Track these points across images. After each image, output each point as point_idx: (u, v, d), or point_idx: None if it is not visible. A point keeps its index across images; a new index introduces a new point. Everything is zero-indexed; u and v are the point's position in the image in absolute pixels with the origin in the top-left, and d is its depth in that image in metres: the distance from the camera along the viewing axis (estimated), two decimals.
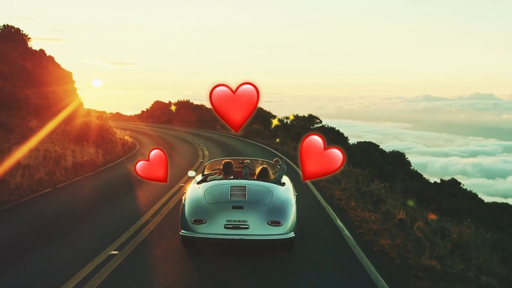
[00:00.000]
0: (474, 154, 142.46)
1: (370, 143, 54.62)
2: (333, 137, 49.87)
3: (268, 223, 6.83)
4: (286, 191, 7.75)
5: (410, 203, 12.47)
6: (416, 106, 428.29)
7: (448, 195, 52.12)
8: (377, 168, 49.08)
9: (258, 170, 8.33)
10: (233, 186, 7.27)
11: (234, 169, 8.39)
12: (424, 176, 55.24)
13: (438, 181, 58.76)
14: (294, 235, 7.03)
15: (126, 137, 26.35)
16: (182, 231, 7.05)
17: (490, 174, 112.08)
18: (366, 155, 51.67)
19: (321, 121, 48.82)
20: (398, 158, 52.59)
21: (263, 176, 8.06)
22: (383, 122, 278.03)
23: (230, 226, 6.77)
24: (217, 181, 7.78)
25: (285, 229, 6.90)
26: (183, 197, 7.64)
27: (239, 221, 6.79)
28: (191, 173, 8.97)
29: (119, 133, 29.89)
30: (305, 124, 47.01)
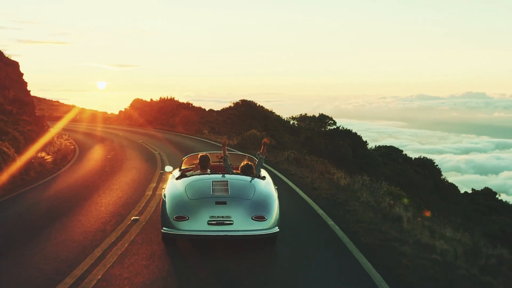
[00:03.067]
0: (467, 151, 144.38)
1: (391, 148, 43.50)
2: (350, 141, 38.89)
3: (252, 218, 6.16)
4: (268, 185, 7.06)
5: None
6: (410, 105, 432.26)
7: (486, 209, 41.35)
8: (404, 179, 38.13)
9: (242, 165, 7.43)
10: (214, 181, 6.61)
11: (211, 163, 7.83)
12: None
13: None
14: (278, 229, 6.37)
15: (43, 154, 15.26)
16: (163, 228, 6.27)
17: (483, 170, 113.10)
18: (389, 163, 40.67)
19: (334, 122, 37.58)
20: (425, 165, 41.52)
21: (247, 172, 7.29)
22: (378, 120, 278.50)
23: (214, 222, 6.09)
24: (197, 176, 7.05)
25: (270, 223, 6.23)
26: (163, 193, 6.89)
27: (222, 217, 6.11)
28: (168, 168, 8.49)
29: (59, 143, 19.02)
30: (316, 126, 35.83)
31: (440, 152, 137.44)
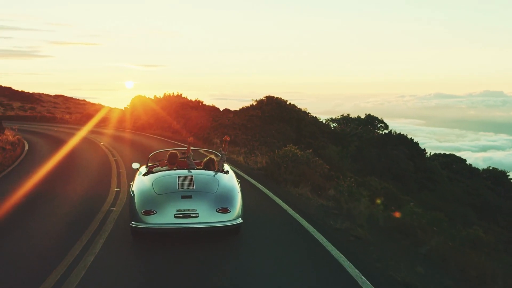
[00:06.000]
0: (485, 149, 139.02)
1: (451, 157, 33.53)
2: (405, 149, 29.18)
3: (217, 211, 6.20)
4: (231, 178, 7.11)
5: None
6: (428, 103, 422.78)
7: None
8: (479, 200, 28.34)
9: (205, 160, 7.49)
10: (180, 176, 6.62)
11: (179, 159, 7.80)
12: None
13: None
14: (241, 221, 6.39)
15: None
16: (132, 222, 6.26)
17: (501, 167, 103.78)
18: (454, 177, 30.84)
19: (386, 125, 27.85)
20: (496, 178, 31.51)
21: (210, 166, 7.34)
22: (397, 119, 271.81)
23: (180, 215, 6.10)
24: (163, 172, 7.03)
25: (233, 215, 6.26)
26: (131, 189, 6.90)
27: (188, 210, 6.12)
28: (135, 165, 8.08)
29: None
30: (365, 132, 26.16)
31: (458, 149, 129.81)
